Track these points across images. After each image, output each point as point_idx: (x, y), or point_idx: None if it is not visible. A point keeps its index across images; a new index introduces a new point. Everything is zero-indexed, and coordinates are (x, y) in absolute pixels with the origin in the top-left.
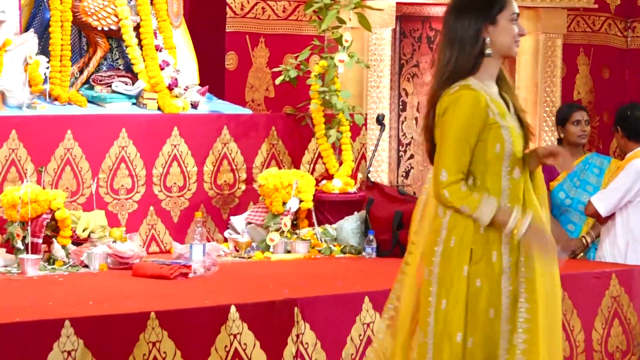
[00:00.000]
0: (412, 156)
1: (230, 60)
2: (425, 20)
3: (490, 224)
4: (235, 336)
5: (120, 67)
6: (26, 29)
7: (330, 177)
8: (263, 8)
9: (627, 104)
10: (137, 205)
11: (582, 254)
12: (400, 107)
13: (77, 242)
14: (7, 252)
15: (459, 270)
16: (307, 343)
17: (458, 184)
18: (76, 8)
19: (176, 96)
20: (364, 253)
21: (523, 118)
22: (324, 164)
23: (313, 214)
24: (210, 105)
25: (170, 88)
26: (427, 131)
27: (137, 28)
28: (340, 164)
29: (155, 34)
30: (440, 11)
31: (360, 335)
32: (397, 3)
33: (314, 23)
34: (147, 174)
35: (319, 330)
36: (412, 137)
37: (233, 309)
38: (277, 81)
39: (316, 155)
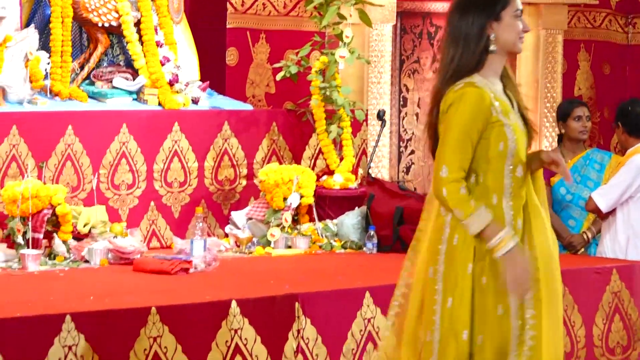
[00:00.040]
0: (412, 152)
1: (231, 56)
2: (426, 16)
3: (477, 235)
4: (236, 331)
5: (121, 63)
6: (27, 25)
7: (331, 172)
8: (264, 4)
9: (627, 100)
10: (138, 200)
11: (583, 250)
12: (401, 102)
13: (78, 237)
14: (8, 247)
15: (463, 268)
16: (307, 338)
17: (459, 184)
18: (77, 4)
19: (177, 92)
20: (364, 248)
21: (526, 116)
22: (325, 159)
23: (314, 209)
24: (211, 101)
25: (171, 84)
26: (430, 128)
27: (137, 24)
28: (341, 159)
29: (156, 29)
30: (440, 7)
31: (361, 330)
32: None
33: (315, 19)
34: (148, 169)
35: (320, 326)
36: (412, 133)
37: (234, 304)
38: (278, 77)
39: (317, 151)
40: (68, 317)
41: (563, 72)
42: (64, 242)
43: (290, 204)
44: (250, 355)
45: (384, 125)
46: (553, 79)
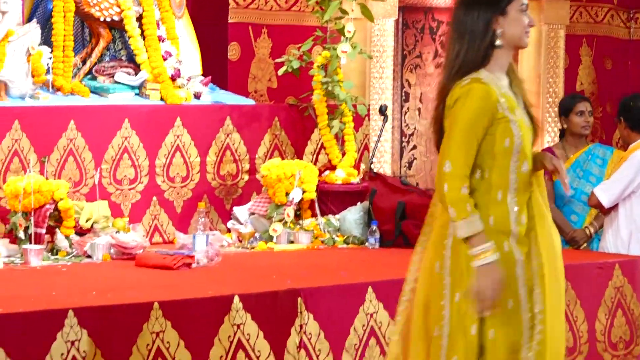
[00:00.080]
0: (414, 147)
1: (233, 51)
2: (428, 11)
3: (464, 240)
4: (238, 326)
5: (123, 58)
6: (29, 20)
7: (333, 167)
8: None
9: (630, 95)
10: (140, 195)
11: (585, 245)
12: (403, 97)
13: (80, 232)
14: (10, 242)
15: (469, 263)
16: (310, 333)
17: (462, 182)
18: None
19: (179, 87)
20: (367, 243)
21: (532, 113)
22: (327, 154)
23: (316, 204)
24: (213, 95)
25: (173, 78)
26: (436, 123)
27: (139, 19)
28: (343, 154)
29: (157, 24)
30: (442, 2)
31: (363, 325)
32: None
33: (317, 14)
34: (150, 164)
35: (322, 321)
36: (414, 128)
37: (236, 299)
38: (280, 72)
39: (319, 146)
40: (70, 312)
41: (565, 67)
42: (67, 237)
43: (293, 199)
44: (253, 350)
45: (386, 120)
46: (555, 74)
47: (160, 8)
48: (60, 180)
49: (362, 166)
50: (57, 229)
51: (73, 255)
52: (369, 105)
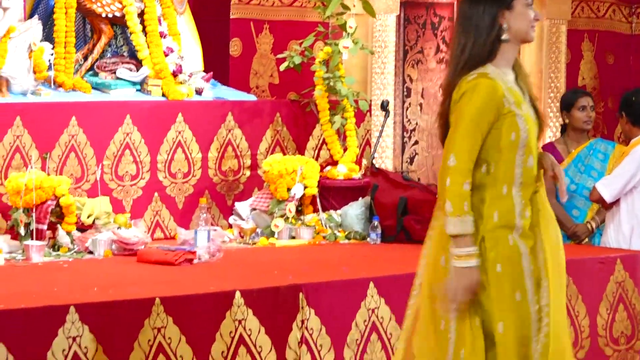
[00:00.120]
0: (416, 142)
1: (235, 47)
2: (430, 7)
3: (452, 236)
4: (240, 322)
5: (125, 54)
6: (30, 16)
7: (334, 163)
8: None
9: (631, 90)
10: (142, 191)
11: (587, 240)
12: (405, 93)
13: (82, 228)
14: (11, 238)
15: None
16: (312, 329)
17: (464, 178)
18: None
19: (180, 83)
20: (368, 239)
21: (537, 106)
22: (329, 150)
23: (317, 200)
24: (214, 91)
25: (174, 74)
26: (441, 118)
27: (141, 15)
28: (345, 150)
29: (159, 20)
30: None
31: (365, 320)
32: None
33: (318, 9)
34: (152, 160)
35: (324, 316)
36: (416, 124)
37: (238, 294)
38: (282, 67)
39: (321, 142)
40: (72, 308)
41: (567, 62)
42: (68, 233)
43: (294, 194)
44: (255, 345)
45: (388, 116)
46: (557, 69)
47: (162, 4)
48: (61, 176)
49: (364, 162)
50: (58, 225)
51: (74, 252)
52: (370, 100)
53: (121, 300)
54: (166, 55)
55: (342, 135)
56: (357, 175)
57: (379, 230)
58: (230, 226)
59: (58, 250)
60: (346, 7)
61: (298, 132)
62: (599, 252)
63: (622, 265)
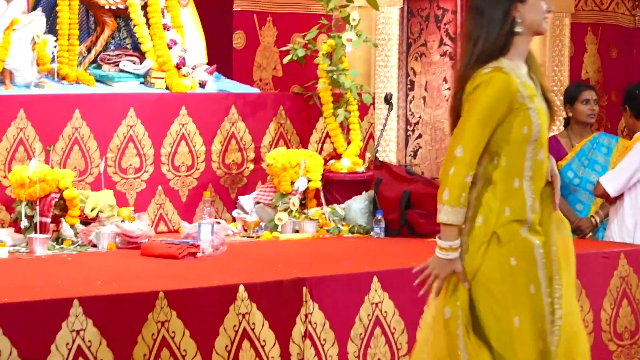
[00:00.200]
0: (420, 136)
1: (238, 39)
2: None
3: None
4: (244, 316)
5: (128, 46)
6: (34, 8)
7: (338, 156)
8: None
9: (635, 83)
10: (146, 184)
11: (590, 234)
12: (408, 86)
13: (86, 221)
14: (15, 231)
15: (483, 248)
16: (315, 323)
17: (468, 170)
18: None
19: (184, 75)
20: (372, 233)
21: (550, 98)
22: (332, 143)
23: (321, 193)
24: (218, 84)
25: (178, 67)
26: (453, 111)
27: (144, 7)
28: (349, 143)
29: (162, 12)
30: None
31: (368, 315)
32: None
33: (322, 2)
34: (155, 153)
35: (328, 310)
36: (420, 117)
37: (241, 288)
38: (285, 60)
39: (324, 135)
40: (76, 302)
41: (570, 55)
42: (72, 226)
43: (298, 188)
44: (258, 339)
45: (391, 109)
46: (560, 62)
47: None
48: (65, 169)
49: (368, 155)
50: (62, 218)
51: (78, 245)
52: (374, 93)
53: (125, 293)
54: (169, 47)
55: (345, 128)
56: (360, 168)
57: (382, 224)
58: (234, 219)
59: (62, 243)
60: (350, 0)
61: (301, 125)
62: (603, 246)
63: (626, 260)
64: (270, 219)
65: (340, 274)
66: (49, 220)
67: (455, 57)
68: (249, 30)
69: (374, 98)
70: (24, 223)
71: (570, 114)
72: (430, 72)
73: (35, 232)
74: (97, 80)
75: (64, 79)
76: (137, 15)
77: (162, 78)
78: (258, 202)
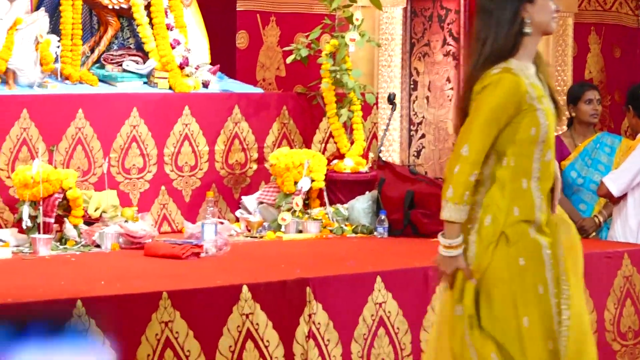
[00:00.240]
0: (423, 136)
1: (241, 39)
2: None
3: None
4: (247, 316)
5: (131, 46)
6: (37, 8)
7: (341, 156)
8: None
9: (638, 83)
10: (149, 184)
11: (594, 234)
12: (412, 86)
13: (89, 221)
14: (19, 231)
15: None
16: (319, 323)
17: (473, 169)
18: None
19: (187, 75)
20: (375, 233)
21: (556, 98)
22: (335, 143)
23: (324, 193)
24: (221, 84)
25: (181, 67)
26: (460, 111)
27: (147, 7)
28: (352, 143)
29: (166, 12)
30: None
31: (372, 315)
32: None
33: (325, 2)
34: (159, 153)
35: (331, 310)
36: (423, 117)
37: (245, 288)
38: (288, 60)
39: (327, 135)
40: (79, 302)
41: (573, 55)
42: (75, 226)
43: (301, 188)
44: (262, 340)
45: (395, 109)
46: (564, 62)
47: None
48: (68, 169)
49: (371, 155)
50: (65, 218)
51: (82, 245)
52: (377, 93)
53: (128, 294)
54: (173, 47)
55: (349, 128)
56: (364, 168)
57: (386, 224)
58: (237, 220)
59: (65, 243)
60: (353, 0)
61: (305, 125)
62: (606, 246)
63: (629, 260)
64: (273, 219)
65: (344, 274)
66: (52, 220)
67: (459, 57)
68: (252, 30)
69: (377, 98)
70: (27, 223)
71: (573, 114)
72: (433, 72)
73: (39, 233)
74: (100, 80)
75: (67, 78)
76: (140, 15)
77: (166, 78)
78: (261, 202)
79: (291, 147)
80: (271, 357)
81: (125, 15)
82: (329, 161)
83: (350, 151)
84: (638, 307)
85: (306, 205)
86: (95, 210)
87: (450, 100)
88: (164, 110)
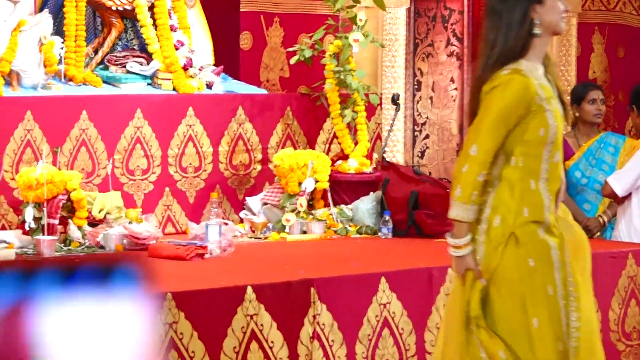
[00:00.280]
0: (427, 136)
1: (245, 40)
2: (440, 0)
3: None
4: (252, 317)
5: (135, 47)
6: (41, 9)
7: (345, 157)
8: None
9: None
10: (153, 186)
11: (598, 234)
12: (415, 86)
13: (93, 223)
14: (23, 233)
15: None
16: (323, 324)
17: (482, 169)
18: None
19: (191, 76)
20: (380, 233)
21: (563, 98)
22: (340, 144)
23: (329, 194)
24: (225, 85)
25: (185, 68)
26: (471, 114)
27: (151, 8)
28: (356, 144)
29: (169, 13)
30: None
31: (376, 315)
32: None
33: (329, 2)
34: (163, 154)
35: (336, 311)
36: (427, 117)
37: (249, 289)
38: (292, 61)
39: (331, 135)
40: None
41: (577, 55)
42: (79, 227)
43: (305, 188)
44: (266, 341)
45: (399, 109)
46: (567, 62)
47: None
48: (73, 170)
49: (375, 155)
50: (69, 220)
51: (86, 246)
52: (381, 94)
53: None
54: (176, 48)
55: (352, 129)
56: (368, 169)
57: (390, 225)
58: (242, 220)
59: (69, 245)
60: (356, 0)
61: (309, 126)
62: (611, 246)
63: (634, 260)
64: (277, 219)
65: (348, 274)
66: (56, 222)
67: (463, 57)
68: (256, 31)
69: (381, 98)
70: (31, 225)
71: (577, 114)
72: (437, 72)
73: (43, 234)
74: (104, 82)
75: (71, 80)
76: (144, 16)
77: (169, 79)
78: (265, 203)
79: (295, 148)
80: (275, 358)
81: (128, 16)
82: (333, 162)
83: (354, 152)
84: None
85: (310, 206)
86: (100, 212)
87: (454, 100)
88: (167, 112)
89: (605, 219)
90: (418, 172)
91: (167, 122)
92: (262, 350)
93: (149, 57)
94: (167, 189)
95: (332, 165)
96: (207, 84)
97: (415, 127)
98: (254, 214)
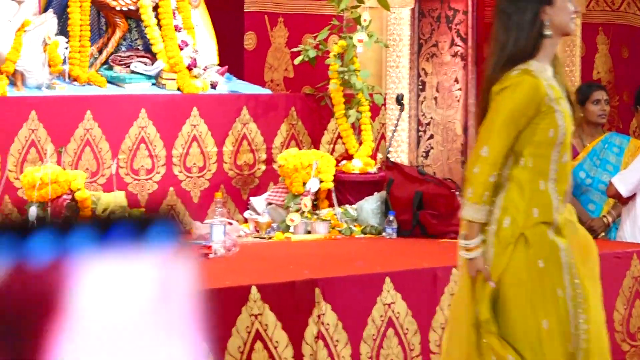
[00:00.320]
0: (431, 136)
1: (249, 40)
2: (444, 0)
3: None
4: (256, 317)
5: (139, 48)
6: (45, 10)
7: (350, 157)
8: None
9: None
10: (157, 185)
11: (603, 234)
12: (420, 87)
13: None
14: None
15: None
16: (328, 324)
17: (493, 170)
18: None
19: (195, 76)
20: (384, 233)
21: (572, 101)
22: (344, 144)
23: (333, 194)
24: (229, 85)
25: (189, 68)
26: (481, 114)
27: (155, 8)
28: (360, 144)
29: (174, 13)
30: None
31: (381, 316)
32: None
33: (333, 3)
34: (167, 154)
35: (340, 311)
36: (431, 117)
37: (254, 289)
38: (296, 61)
39: (336, 136)
40: None
41: (581, 55)
42: None
43: (310, 188)
44: (271, 341)
45: (403, 110)
46: (572, 62)
47: None
48: (77, 170)
49: (379, 156)
50: None
51: None
52: (385, 94)
53: None
54: (181, 48)
55: (357, 129)
56: (372, 169)
57: (394, 225)
58: (246, 220)
59: None
60: (360, 1)
61: (313, 126)
62: (615, 246)
63: (638, 260)
64: (282, 219)
65: (353, 274)
66: None
67: (467, 57)
68: (260, 31)
69: (385, 99)
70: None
71: (581, 114)
72: (441, 72)
73: None
74: (108, 82)
75: (75, 80)
76: (148, 16)
77: (174, 79)
78: (270, 203)
79: (299, 148)
80: (280, 358)
81: (133, 16)
82: (338, 162)
83: (358, 152)
84: None
85: (315, 206)
86: (104, 212)
87: (459, 101)
88: (172, 112)
89: (610, 220)
90: (422, 172)
91: (171, 122)
92: (267, 350)
93: (153, 57)
94: (171, 188)
95: (337, 165)
96: (211, 84)
97: (420, 127)
98: (258, 214)
